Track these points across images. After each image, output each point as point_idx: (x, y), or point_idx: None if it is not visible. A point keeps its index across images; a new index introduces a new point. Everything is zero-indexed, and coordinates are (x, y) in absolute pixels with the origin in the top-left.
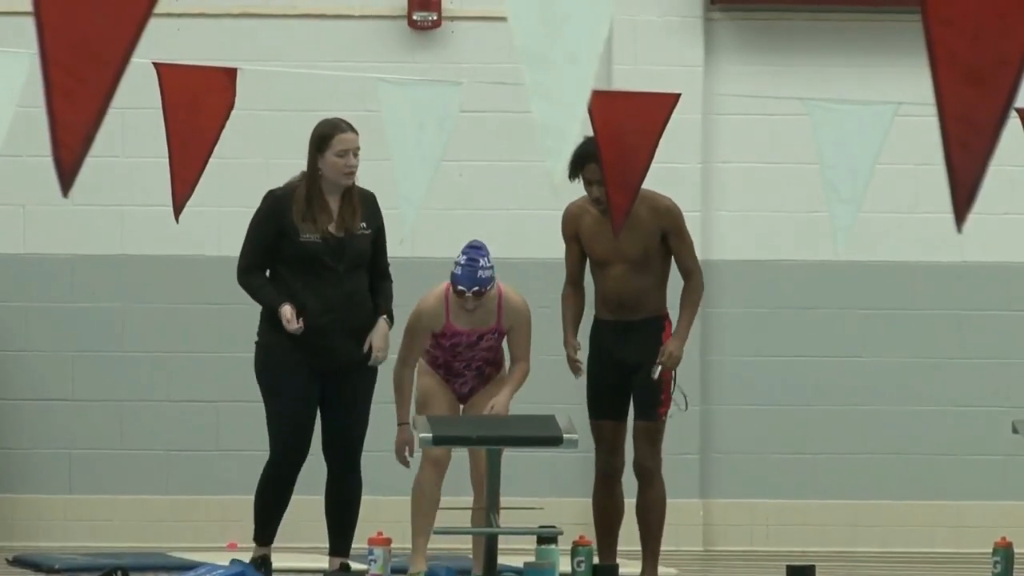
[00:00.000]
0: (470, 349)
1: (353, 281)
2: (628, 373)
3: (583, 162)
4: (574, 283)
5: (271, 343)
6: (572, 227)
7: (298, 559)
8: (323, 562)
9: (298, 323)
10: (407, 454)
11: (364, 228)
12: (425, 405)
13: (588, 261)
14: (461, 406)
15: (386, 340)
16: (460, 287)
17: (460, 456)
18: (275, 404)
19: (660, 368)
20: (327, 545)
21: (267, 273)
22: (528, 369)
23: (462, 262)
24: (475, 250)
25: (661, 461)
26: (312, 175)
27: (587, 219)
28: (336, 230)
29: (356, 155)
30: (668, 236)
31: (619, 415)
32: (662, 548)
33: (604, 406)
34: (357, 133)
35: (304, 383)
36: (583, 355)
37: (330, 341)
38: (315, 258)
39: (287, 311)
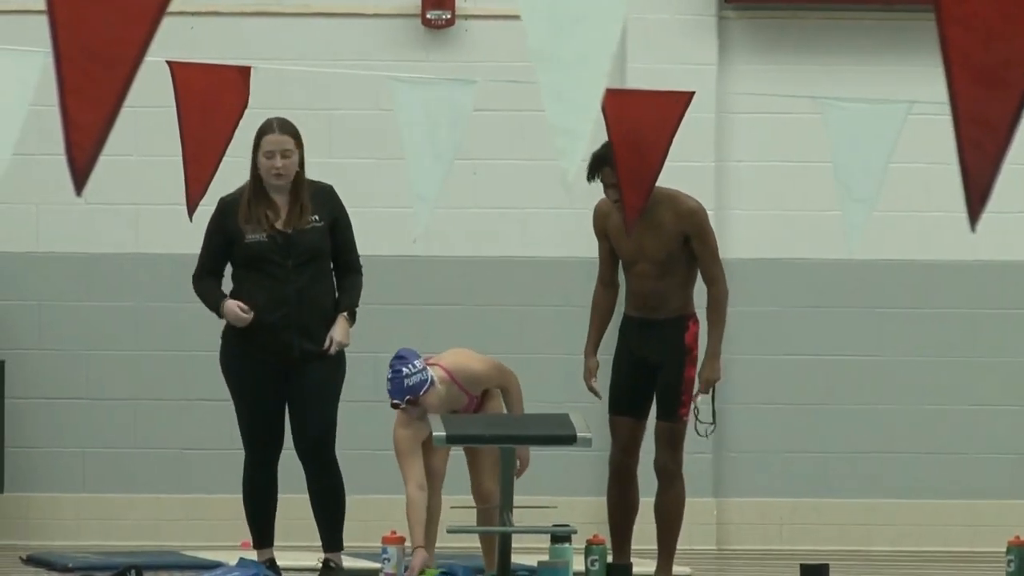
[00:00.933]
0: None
1: (305, 277)
2: (650, 371)
3: (599, 166)
4: (604, 281)
5: (228, 339)
6: (600, 224)
7: (298, 557)
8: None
9: (246, 314)
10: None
11: (315, 221)
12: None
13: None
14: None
15: (346, 335)
16: (394, 401)
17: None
18: (239, 404)
19: (700, 396)
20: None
21: (219, 280)
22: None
23: (389, 376)
24: (398, 360)
25: (682, 462)
26: (254, 174)
27: (615, 217)
28: (284, 226)
29: (286, 155)
30: (691, 240)
31: (638, 413)
32: (676, 547)
33: (624, 403)
34: (292, 135)
35: (264, 380)
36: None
37: (283, 337)
38: (261, 256)
39: (231, 306)
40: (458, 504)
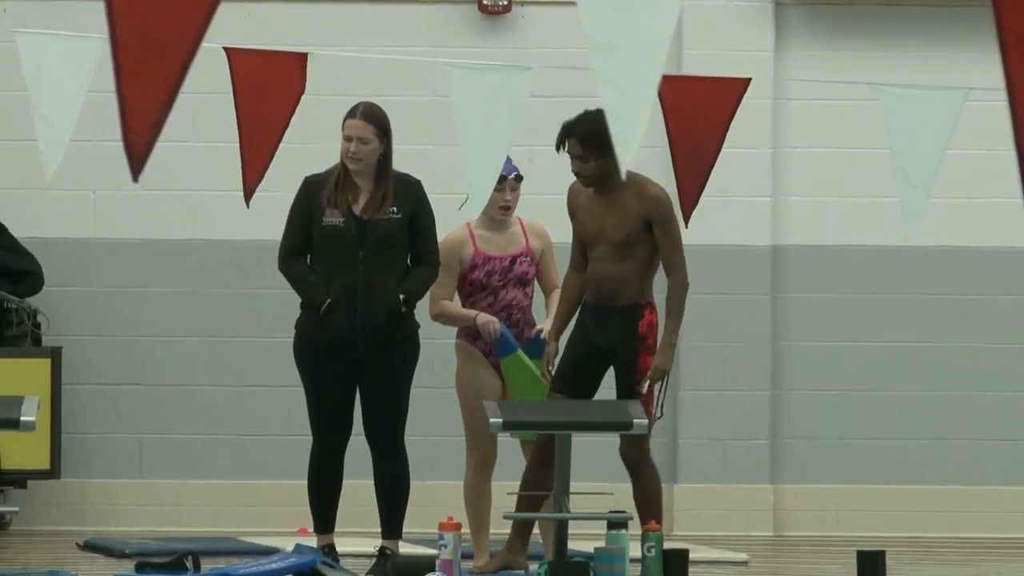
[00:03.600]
0: (503, 277)
1: (373, 267)
2: (601, 358)
3: (565, 136)
4: (576, 267)
5: (300, 327)
6: (571, 204)
7: (357, 544)
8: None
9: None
10: (492, 329)
11: (394, 213)
12: (468, 391)
13: None
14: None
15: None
16: (500, 173)
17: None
18: (309, 393)
19: (648, 383)
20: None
21: (305, 258)
22: (559, 293)
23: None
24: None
25: (648, 449)
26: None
27: (583, 195)
28: (362, 212)
29: (363, 142)
30: (653, 225)
31: (577, 394)
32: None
33: (566, 382)
34: (372, 122)
35: (336, 369)
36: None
37: (348, 328)
38: (334, 239)
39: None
40: (513, 491)
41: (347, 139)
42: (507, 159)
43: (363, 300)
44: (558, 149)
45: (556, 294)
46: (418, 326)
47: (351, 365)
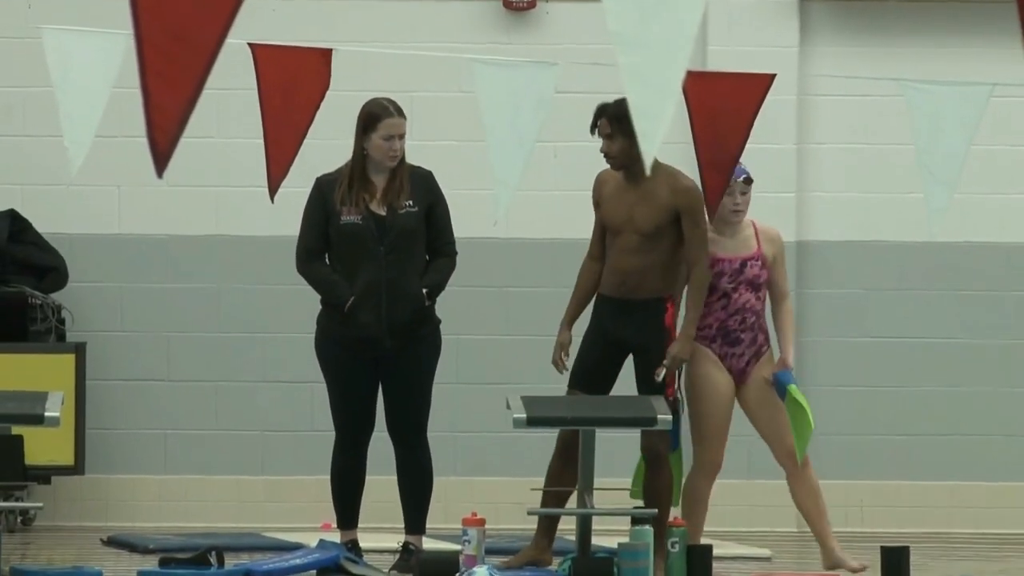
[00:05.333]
0: (733, 280)
1: (395, 262)
2: (621, 353)
3: (598, 116)
4: (594, 255)
5: (322, 323)
6: (596, 193)
7: (380, 539)
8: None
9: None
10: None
11: (410, 206)
12: (705, 407)
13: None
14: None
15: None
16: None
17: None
18: (332, 389)
19: (665, 372)
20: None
21: (323, 260)
22: (791, 305)
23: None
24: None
25: (668, 443)
26: (357, 155)
27: (610, 184)
28: (378, 207)
29: (402, 139)
30: (682, 217)
31: (596, 391)
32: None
33: (584, 380)
34: (405, 117)
35: (359, 364)
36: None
37: (373, 326)
38: (355, 238)
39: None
40: (537, 487)
41: (389, 138)
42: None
43: (388, 296)
44: (592, 131)
45: (787, 305)
46: (439, 320)
47: (375, 361)
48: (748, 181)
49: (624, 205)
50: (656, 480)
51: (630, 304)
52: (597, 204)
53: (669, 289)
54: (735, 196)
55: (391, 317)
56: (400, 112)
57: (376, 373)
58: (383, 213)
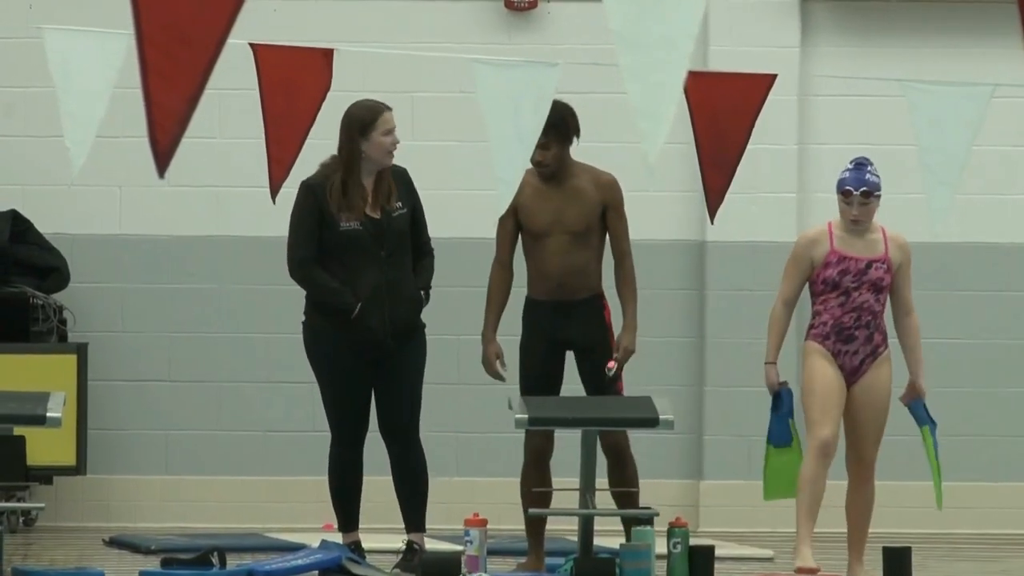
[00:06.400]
0: (857, 279)
1: (395, 265)
2: (563, 354)
3: None
4: (504, 263)
5: (316, 325)
6: (513, 200)
7: (381, 540)
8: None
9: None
10: (774, 386)
11: (400, 208)
12: (811, 385)
13: (521, 238)
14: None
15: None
16: (847, 187)
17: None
18: (327, 389)
19: (616, 366)
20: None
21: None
22: (917, 320)
23: (850, 167)
24: (863, 157)
25: (628, 437)
26: (350, 159)
27: (528, 190)
28: (372, 211)
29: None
30: (608, 211)
31: (553, 395)
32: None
33: (539, 389)
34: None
35: (353, 365)
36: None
37: (377, 327)
38: (356, 244)
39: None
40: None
41: (388, 132)
42: (856, 167)
43: (390, 299)
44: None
45: (913, 321)
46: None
47: (373, 361)
48: (866, 194)
49: (549, 207)
50: (622, 475)
51: (568, 305)
52: (512, 211)
53: (600, 286)
54: (853, 207)
55: (395, 318)
56: (388, 107)
57: (373, 373)
58: (378, 216)
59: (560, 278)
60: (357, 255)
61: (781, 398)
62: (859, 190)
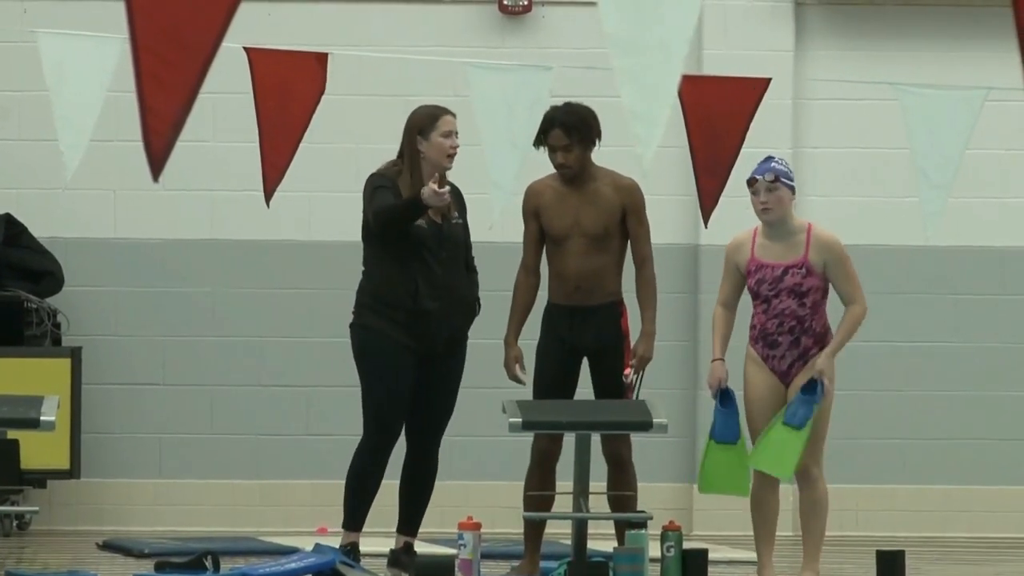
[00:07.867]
0: (774, 287)
1: (454, 269)
2: (579, 359)
3: (548, 127)
4: (529, 268)
5: (372, 325)
6: (533, 203)
7: (376, 543)
8: (389, 543)
9: (441, 189)
10: (719, 381)
11: (457, 218)
12: (746, 397)
13: (545, 243)
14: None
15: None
16: (752, 176)
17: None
18: (377, 387)
19: (633, 373)
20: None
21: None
22: (863, 311)
23: (759, 161)
24: (771, 154)
25: (631, 447)
26: (412, 160)
27: (548, 194)
28: (434, 215)
29: (457, 136)
30: (628, 216)
31: (566, 399)
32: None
33: (550, 393)
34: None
35: (406, 366)
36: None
37: (434, 328)
38: (422, 243)
39: (428, 189)
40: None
41: (448, 134)
42: (763, 160)
43: (449, 301)
44: (536, 145)
45: (852, 311)
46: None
47: (419, 364)
48: (773, 180)
49: (568, 211)
50: (626, 483)
51: (585, 310)
52: (534, 215)
53: (620, 292)
54: (759, 195)
55: (452, 323)
56: (450, 112)
57: (416, 375)
58: (439, 221)
59: (577, 282)
60: (421, 253)
61: (729, 395)
62: (764, 175)
